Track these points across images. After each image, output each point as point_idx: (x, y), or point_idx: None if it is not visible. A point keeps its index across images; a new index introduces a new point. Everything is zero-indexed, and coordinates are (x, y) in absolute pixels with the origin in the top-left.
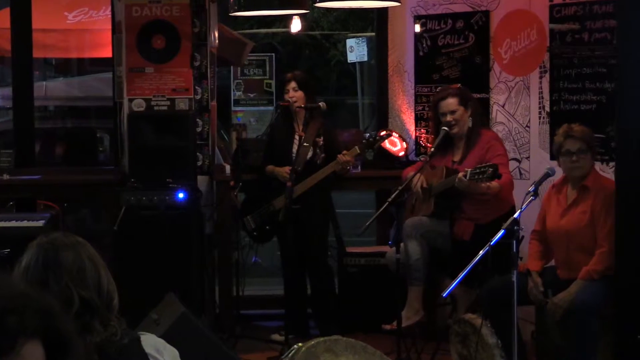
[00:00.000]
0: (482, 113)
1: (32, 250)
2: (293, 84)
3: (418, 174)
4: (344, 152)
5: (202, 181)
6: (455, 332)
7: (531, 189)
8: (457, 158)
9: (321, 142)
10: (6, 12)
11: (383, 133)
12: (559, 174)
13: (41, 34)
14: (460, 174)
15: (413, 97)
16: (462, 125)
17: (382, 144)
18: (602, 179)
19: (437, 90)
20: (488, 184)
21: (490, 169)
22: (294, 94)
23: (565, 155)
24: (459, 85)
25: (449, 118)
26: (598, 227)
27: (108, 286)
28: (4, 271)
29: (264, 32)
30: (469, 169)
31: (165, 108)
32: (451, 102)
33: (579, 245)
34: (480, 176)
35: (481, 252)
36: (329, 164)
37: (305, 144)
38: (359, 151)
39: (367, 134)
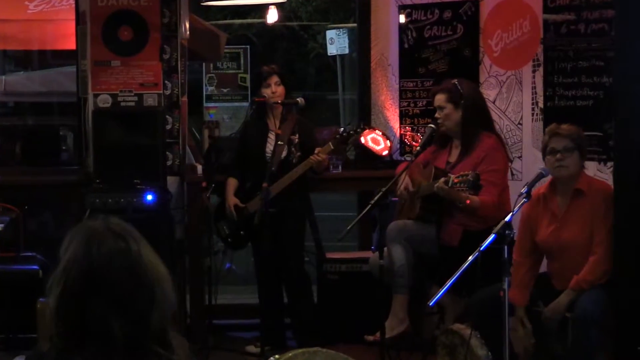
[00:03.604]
0: (484, 116)
1: (79, 247)
2: (275, 79)
3: (403, 175)
4: (317, 149)
5: (172, 182)
6: (442, 343)
7: (524, 190)
8: (453, 159)
9: (296, 140)
10: None
11: (359, 128)
12: None
13: (0, 24)
14: (442, 181)
15: (397, 93)
16: (449, 125)
17: (364, 143)
18: (595, 183)
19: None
20: (468, 194)
21: (472, 178)
22: (277, 89)
23: (550, 154)
24: (455, 81)
25: (437, 114)
26: (594, 233)
27: (157, 307)
28: None
29: (238, 23)
30: (453, 176)
31: (132, 104)
32: (440, 98)
33: (581, 256)
34: (461, 185)
35: (470, 258)
36: (302, 163)
37: (279, 142)
38: (332, 147)
39: (342, 129)
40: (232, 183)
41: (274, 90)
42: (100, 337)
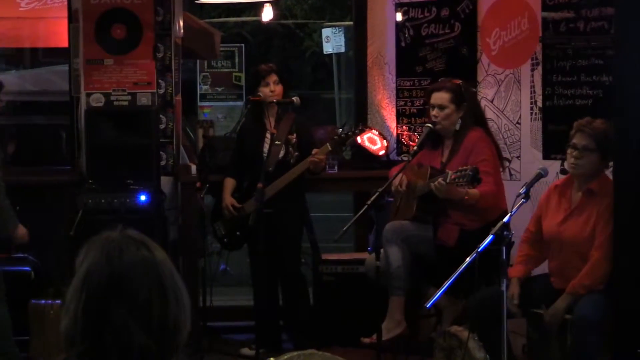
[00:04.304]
0: (479, 115)
1: (98, 256)
2: (274, 78)
3: (400, 175)
4: (315, 150)
5: (165, 182)
6: (440, 346)
7: (522, 190)
8: (445, 159)
9: (294, 140)
10: None
11: (357, 128)
12: (552, 174)
13: None
14: (440, 179)
15: (394, 92)
16: (447, 125)
17: (360, 143)
18: (609, 185)
19: (440, 80)
20: (466, 189)
21: (470, 172)
22: (275, 88)
23: (570, 147)
24: (460, 81)
25: (435, 112)
26: (596, 233)
27: (175, 320)
28: None
29: (233, 21)
30: (450, 172)
31: (125, 103)
32: (442, 97)
33: (579, 255)
34: (460, 180)
35: (468, 259)
36: (300, 164)
37: (277, 142)
38: (330, 148)
39: (340, 130)
40: (229, 183)
41: (273, 89)
42: (118, 350)
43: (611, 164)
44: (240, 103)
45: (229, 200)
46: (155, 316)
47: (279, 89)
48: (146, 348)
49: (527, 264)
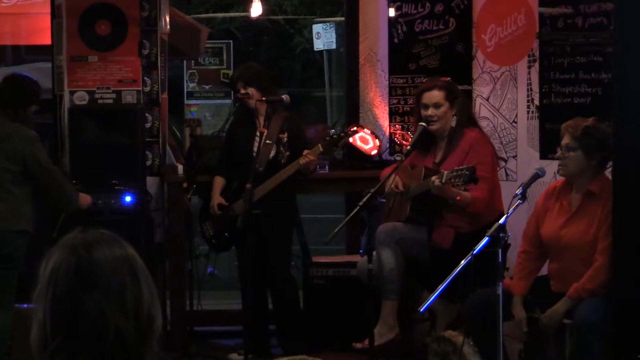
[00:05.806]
0: (470, 114)
1: (62, 252)
2: (240, 84)
3: (393, 175)
4: (306, 151)
5: (151, 183)
6: (434, 351)
7: (518, 191)
8: (438, 159)
9: (285, 139)
10: None
11: (350, 129)
12: (550, 174)
13: None
14: (435, 178)
15: (387, 89)
16: (443, 123)
17: (352, 142)
18: (611, 186)
19: (424, 80)
20: (459, 190)
21: (467, 172)
22: (247, 94)
23: (560, 149)
24: (449, 78)
25: (430, 112)
26: (599, 238)
27: (149, 308)
28: None
29: (220, 16)
30: (446, 172)
31: (110, 101)
32: (436, 95)
33: (581, 259)
34: (457, 180)
35: (463, 262)
36: (290, 164)
37: (267, 141)
38: (321, 149)
39: (332, 130)
40: (218, 182)
41: (244, 94)
42: (92, 337)
43: (610, 163)
44: (228, 101)
45: (217, 199)
46: (129, 301)
47: (251, 92)
48: (122, 331)
49: (529, 277)
